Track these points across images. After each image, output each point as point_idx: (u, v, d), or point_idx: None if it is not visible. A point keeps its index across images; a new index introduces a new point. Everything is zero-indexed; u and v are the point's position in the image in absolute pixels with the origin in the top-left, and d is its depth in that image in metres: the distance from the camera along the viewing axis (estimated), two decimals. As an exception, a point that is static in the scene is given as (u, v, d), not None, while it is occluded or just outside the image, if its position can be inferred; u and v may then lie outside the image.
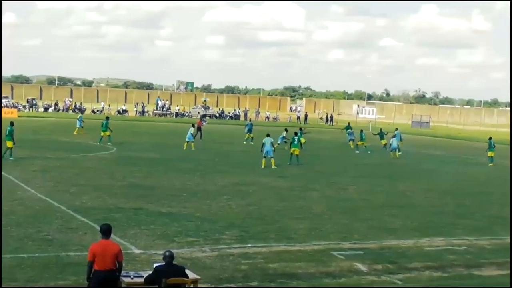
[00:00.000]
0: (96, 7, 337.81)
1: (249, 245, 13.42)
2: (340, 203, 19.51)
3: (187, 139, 34.27)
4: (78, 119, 42.52)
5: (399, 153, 36.32)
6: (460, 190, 24.03)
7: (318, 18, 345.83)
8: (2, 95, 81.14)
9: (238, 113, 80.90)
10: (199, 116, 71.96)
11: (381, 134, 40.29)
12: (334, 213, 17.73)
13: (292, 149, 29.08)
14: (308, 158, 32.52)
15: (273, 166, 27.29)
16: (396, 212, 18.33)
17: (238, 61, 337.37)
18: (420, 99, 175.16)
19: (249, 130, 41.22)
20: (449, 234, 15.57)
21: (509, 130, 61.74)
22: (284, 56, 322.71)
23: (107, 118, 38.61)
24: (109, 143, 34.34)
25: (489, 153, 34.57)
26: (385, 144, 38.78)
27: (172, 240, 13.43)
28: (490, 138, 35.60)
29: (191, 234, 14.04)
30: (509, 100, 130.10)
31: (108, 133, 35.14)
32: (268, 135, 28.87)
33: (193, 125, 36.83)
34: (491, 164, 33.65)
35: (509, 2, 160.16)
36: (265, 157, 27.68)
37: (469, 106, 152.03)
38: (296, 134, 30.43)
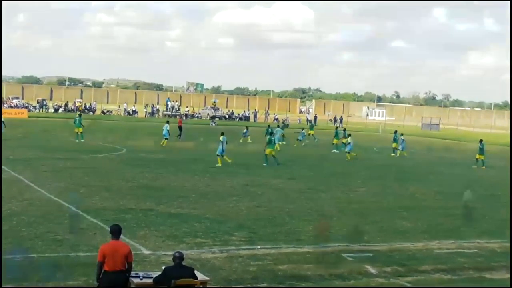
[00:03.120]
0: (105, 8, 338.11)
1: (258, 247, 13.47)
2: (350, 205, 19.50)
3: (164, 136, 35.73)
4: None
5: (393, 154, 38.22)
6: (470, 193, 23.93)
7: (328, 20, 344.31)
8: (13, 96, 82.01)
9: (247, 115, 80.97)
10: (208, 117, 72.30)
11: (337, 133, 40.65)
12: (344, 215, 17.71)
13: (268, 150, 28.74)
14: (317, 160, 32.69)
15: (219, 164, 27.41)
16: (406, 214, 18.26)
17: (248, 62, 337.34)
18: (431, 101, 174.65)
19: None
20: (459, 237, 15.49)
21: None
22: (294, 58, 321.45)
23: (80, 114, 39.65)
24: (82, 140, 35.58)
25: (478, 156, 34.48)
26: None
27: (182, 241, 13.49)
28: (481, 141, 35.42)
29: (200, 235, 14.11)
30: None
31: (81, 129, 36.28)
32: (222, 133, 29.07)
33: (167, 122, 37.78)
34: (483, 167, 33.72)
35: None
36: (219, 155, 27.85)
37: (479, 109, 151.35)
38: (271, 134, 31.02)
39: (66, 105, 76.25)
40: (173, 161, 28.76)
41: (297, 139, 43.55)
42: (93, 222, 14.87)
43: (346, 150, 34.73)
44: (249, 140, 42.08)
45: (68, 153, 29.31)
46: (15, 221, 14.27)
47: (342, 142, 38.82)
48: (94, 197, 18.06)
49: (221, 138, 28.44)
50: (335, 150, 39.01)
